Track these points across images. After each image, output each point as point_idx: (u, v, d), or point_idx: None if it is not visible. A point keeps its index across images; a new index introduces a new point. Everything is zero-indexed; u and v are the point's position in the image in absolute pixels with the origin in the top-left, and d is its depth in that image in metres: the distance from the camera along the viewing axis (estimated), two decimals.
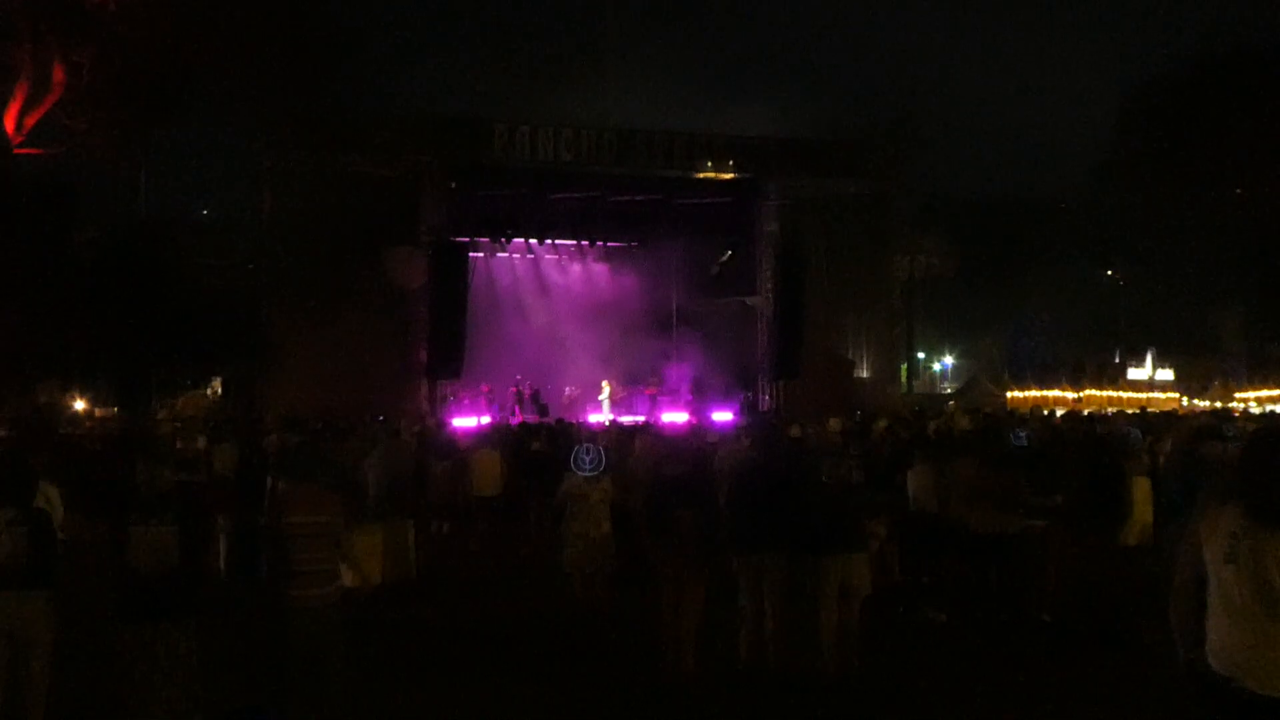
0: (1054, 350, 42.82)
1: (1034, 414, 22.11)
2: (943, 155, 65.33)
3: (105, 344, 19.43)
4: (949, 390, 42.15)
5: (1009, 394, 33.48)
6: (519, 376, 25.77)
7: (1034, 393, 34.43)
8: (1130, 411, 22.17)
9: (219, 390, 27.71)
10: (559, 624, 8.82)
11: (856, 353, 30.12)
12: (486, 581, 10.89)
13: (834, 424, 14.37)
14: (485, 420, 21.15)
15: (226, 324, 22.41)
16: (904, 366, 32.34)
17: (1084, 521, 9.45)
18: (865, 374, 30.03)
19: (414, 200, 24.79)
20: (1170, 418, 18.61)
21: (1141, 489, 10.67)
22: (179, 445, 11.58)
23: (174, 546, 5.49)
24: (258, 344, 23.23)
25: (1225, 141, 28.46)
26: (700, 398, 25.75)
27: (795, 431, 12.54)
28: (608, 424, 18.01)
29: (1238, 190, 31.05)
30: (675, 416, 23.18)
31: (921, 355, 45.53)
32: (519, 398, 25.18)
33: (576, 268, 29.29)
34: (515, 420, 21.14)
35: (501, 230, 27.22)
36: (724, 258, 28.51)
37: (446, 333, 23.66)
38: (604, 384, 25.97)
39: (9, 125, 19.84)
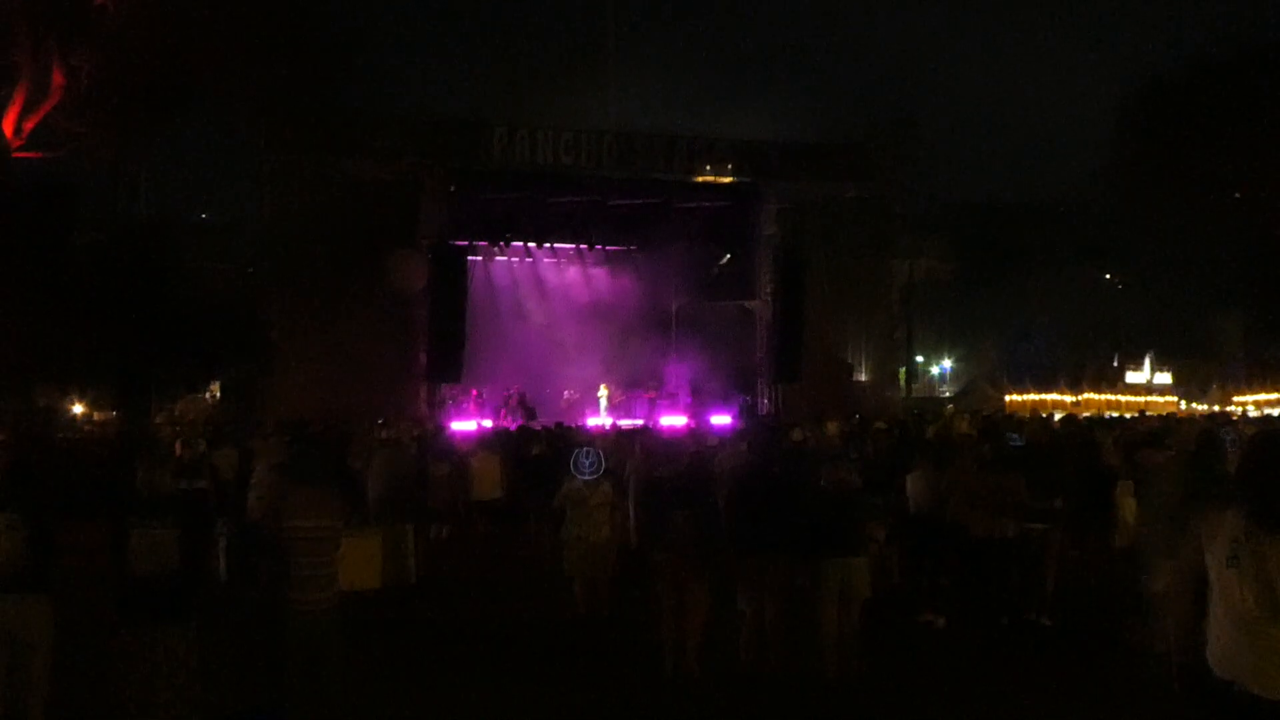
0: (1053, 354, 42.79)
1: (1033, 417, 22.10)
2: (942, 159, 65.59)
3: (104, 347, 19.38)
4: (948, 394, 42.15)
5: (1007, 397, 33.50)
6: (509, 390, 25.55)
7: (1032, 396, 34.46)
8: (1129, 415, 22.17)
9: (218, 394, 27.64)
10: (559, 627, 8.82)
11: (855, 356, 30.11)
12: (486, 585, 10.86)
13: (833, 427, 14.37)
14: (486, 424, 21.10)
15: (226, 327, 22.35)
16: (903, 370, 32.30)
17: (1083, 525, 9.44)
18: (864, 377, 30.02)
19: (413, 203, 24.73)
20: (1169, 420, 18.58)
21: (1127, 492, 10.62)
22: (181, 451, 11.52)
23: (174, 550, 5.48)
24: (257, 347, 23.17)
25: (1224, 145, 28.39)
26: (699, 401, 25.68)
27: (798, 435, 12.49)
28: (607, 427, 17.99)
29: (1237, 194, 31.02)
30: (674, 420, 23.14)
31: (920, 359, 45.46)
32: (506, 401, 25.10)
33: (576, 271, 29.20)
34: (501, 425, 21.05)
35: (501, 233, 27.18)
36: (723, 261, 28.44)
37: (446, 336, 23.58)
38: (603, 387, 25.93)
39: (8, 129, 19.83)
